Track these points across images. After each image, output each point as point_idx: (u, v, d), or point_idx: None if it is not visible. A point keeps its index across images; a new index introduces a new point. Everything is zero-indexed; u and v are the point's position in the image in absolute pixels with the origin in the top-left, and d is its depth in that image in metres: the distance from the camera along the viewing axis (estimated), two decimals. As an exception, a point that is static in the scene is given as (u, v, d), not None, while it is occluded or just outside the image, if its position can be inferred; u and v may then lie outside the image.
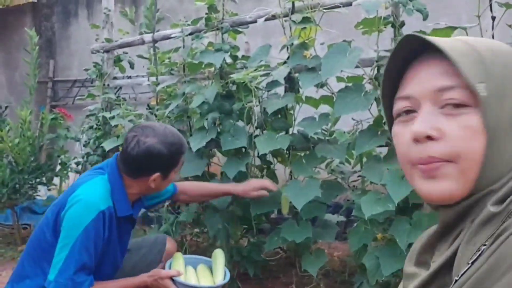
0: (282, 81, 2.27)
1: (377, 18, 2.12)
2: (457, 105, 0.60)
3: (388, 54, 2.18)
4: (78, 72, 5.58)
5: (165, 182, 1.68)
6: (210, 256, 1.86)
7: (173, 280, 1.62)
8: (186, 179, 2.66)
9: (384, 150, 2.15)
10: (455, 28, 2.06)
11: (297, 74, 2.36)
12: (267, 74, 2.35)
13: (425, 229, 2.10)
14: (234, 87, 2.57)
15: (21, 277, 1.63)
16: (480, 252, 0.56)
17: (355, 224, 2.23)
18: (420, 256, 0.75)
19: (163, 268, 1.72)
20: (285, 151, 2.41)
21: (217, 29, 2.58)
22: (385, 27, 2.17)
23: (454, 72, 0.60)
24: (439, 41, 0.61)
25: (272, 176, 2.69)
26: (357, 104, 2.06)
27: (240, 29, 2.61)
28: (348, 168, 2.48)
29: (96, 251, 1.56)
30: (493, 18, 1.99)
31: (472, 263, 0.56)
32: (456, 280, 0.58)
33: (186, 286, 1.61)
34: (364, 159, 2.33)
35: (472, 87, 0.57)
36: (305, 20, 2.28)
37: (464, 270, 0.57)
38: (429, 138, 0.61)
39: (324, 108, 2.53)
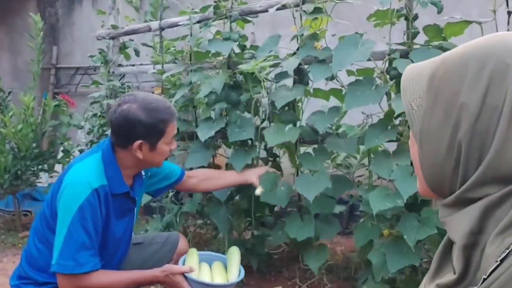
0: (292, 73, 2.22)
1: (390, 10, 2.08)
2: None
3: (400, 47, 2.16)
4: (81, 59, 5.53)
5: (155, 154, 1.60)
6: (224, 252, 1.83)
7: (185, 277, 1.58)
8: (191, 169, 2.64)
9: (392, 145, 2.12)
10: (470, 22, 2.02)
11: (306, 66, 2.32)
12: (276, 65, 2.31)
13: (434, 226, 2.05)
14: (241, 78, 2.53)
15: (32, 258, 1.62)
16: (509, 250, 0.55)
17: (361, 220, 2.20)
18: (443, 256, 0.72)
19: (176, 264, 1.68)
20: (293, 144, 2.38)
21: (226, 18, 2.53)
22: (398, 20, 2.12)
23: None
24: (406, 72, 0.70)
25: (278, 170, 2.65)
26: (368, 98, 2.02)
27: (249, 18, 2.56)
28: (354, 163, 2.44)
29: (96, 231, 1.52)
30: (509, 12, 1.94)
31: (501, 261, 0.55)
32: (484, 279, 0.57)
33: (199, 283, 1.56)
34: (371, 155, 2.31)
35: (407, 105, 0.67)
36: (317, 10, 2.23)
37: (493, 268, 0.56)
38: None
39: (331, 102, 2.50)
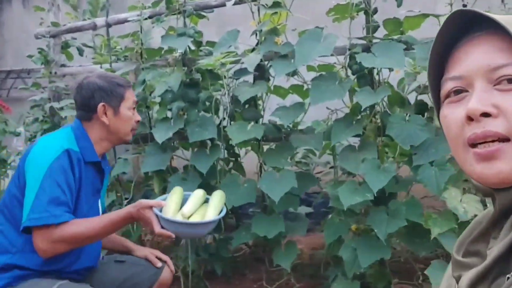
0: (252, 69, 2.16)
1: (350, 4, 2.07)
2: None
3: (361, 41, 2.16)
4: (13, 62, 5.13)
5: (120, 120, 1.57)
6: None
7: (157, 215, 1.46)
8: (147, 174, 2.50)
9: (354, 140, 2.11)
10: (427, 15, 2.05)
11: (267, 62, 2.26)
12: (237, 61, 2.23)
13: (403, 218, 2.06)
14: (198, 75, 2.42)
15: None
16: None
17: (329, 216, 2.17)
18: (471, 245, 0.68)
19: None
20: (256, 142, 2.31)
21: (179, 13, 2.42)
22: (357, 14, 2.12)
23: (508, 48, 0.59)
24: (493, 16, 0.59)
25: (240, 169, 2.58)
26: (333, 92, 2.00)
27: (203, 13, 2.46)
28: (316, 159, 2.42)
29: (70, 189, 1.45)
30: (464, 6, 1.99)
31: None
32: None
33: (168, 221, 1.43)
34: (328, 151, 2.29)
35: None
36: (276, 4, 2.18)
37: None
38: (485, 115, 0.59)
39: (287, 100, 2.46)
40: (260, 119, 2.33)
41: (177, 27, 2.41)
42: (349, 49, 2.10)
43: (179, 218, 1.46)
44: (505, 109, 0.58)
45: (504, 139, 0.58)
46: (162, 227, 1.45)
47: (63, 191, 1.43)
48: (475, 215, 1.86)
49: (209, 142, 2.38)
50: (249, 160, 2.57)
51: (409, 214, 1.94)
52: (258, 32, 2.26)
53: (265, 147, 2.36)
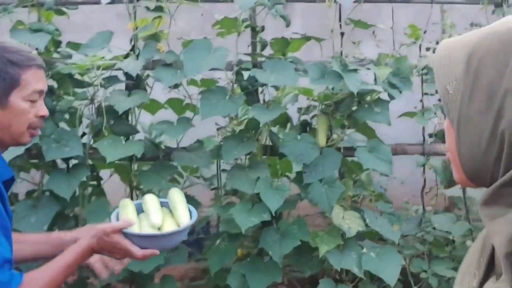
0: (135, 75, 1.89)
1: (238, 19, 2.01)
2: None
3: (248, 58, 2.10)
4: None
5: (9, 115, 1.10)
6: None
7: (124, 234, 1.13)
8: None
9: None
10: (309, 38, 2.12)
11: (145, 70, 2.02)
12: (111, 66, 1.93)
13: (296, 238, 2.03)
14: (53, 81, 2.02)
15: None
16: None
17: (218, 241, 2.00)
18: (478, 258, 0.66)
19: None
20: (128, 161, 2.02)
21: (33, 5, 2.00)
22: (244, 30, 2.07)
23: None
24: (439, 50, 0.62)
25: (101, 195, 2.20)
26: (225, 107, 1.89)
27: (65, 10, 2.08)
28: (196, 180, 2.24)
29: (6, 234, 1.06)
30: (342, 34, 2.13)
31: None
32: None
33: (143, 237, 1.12)
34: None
35: (441, 89, 0.60)
36: (158, 9, 1.98)
37: None
38: None
39: (157, 116, 2.25)
40: (135, 135, 2.04)
41: (29, 21, 1.98)
42: (237, 65, 2.02)
43: (154, 231, 1.15)
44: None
45: None
46: None
47: (2, 244, 1.02)
48: (358, 231, 1.95)
49: (70, 161, 1.98)
50: (112, 183, 2.23)
51: (301, 233, 1.91)
52: (135, 37, 2.01)
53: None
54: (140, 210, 1.22)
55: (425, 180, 2.28)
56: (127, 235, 1.12)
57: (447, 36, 2.30)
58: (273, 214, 1.81)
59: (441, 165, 2.26)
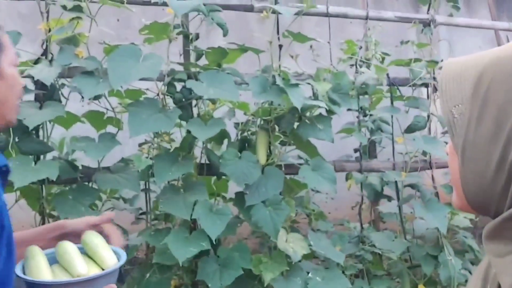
0: (49, 84, 1.60)
1: (169, 25, 1.81)
2: None
3: (181, 68, 1.91)
4: None
5: (4, 84, 0.88)
6: None
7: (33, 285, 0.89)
8: None
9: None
10: (246, 50, 1.99)
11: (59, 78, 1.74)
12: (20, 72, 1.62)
13: (238, 267, 1.86)
14: None
15: None
16: None
17: (147, 275, 1.75)
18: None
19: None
20: (39, 185, 1.71)
21: None
22: (176, 37, 1.88)
23: None
24: (445, 71, 0.59)
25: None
26: (157, 122, 1.67)
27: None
28: (123, 205, 1.97)
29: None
30: (280, 46, 2.02)
31: None
32: None
33: (69, 285, 0.88)
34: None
35: (446, 112, 0.57)
36: (77, 8, 1.72)
37: None
38: None
39: (71, 131, 1.97)
40: (47, 154, 1.74)
41: None
42: (168, 75, 1.82)
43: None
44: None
45: None
46: None
47: None
48: (304, 254, 1.84)
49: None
50: (19, 210, 1.88)
51: (240, 261, 1.74)
52: (48, 39, 1.72)
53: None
54: (52, 260, 0.96)
55: (362, 198, 2.24)
56: (37, 285, 0.88)
57: (371, 53, 2.30)
58: (214, 242, 1.62)
59: (368, 181, 2.21)
